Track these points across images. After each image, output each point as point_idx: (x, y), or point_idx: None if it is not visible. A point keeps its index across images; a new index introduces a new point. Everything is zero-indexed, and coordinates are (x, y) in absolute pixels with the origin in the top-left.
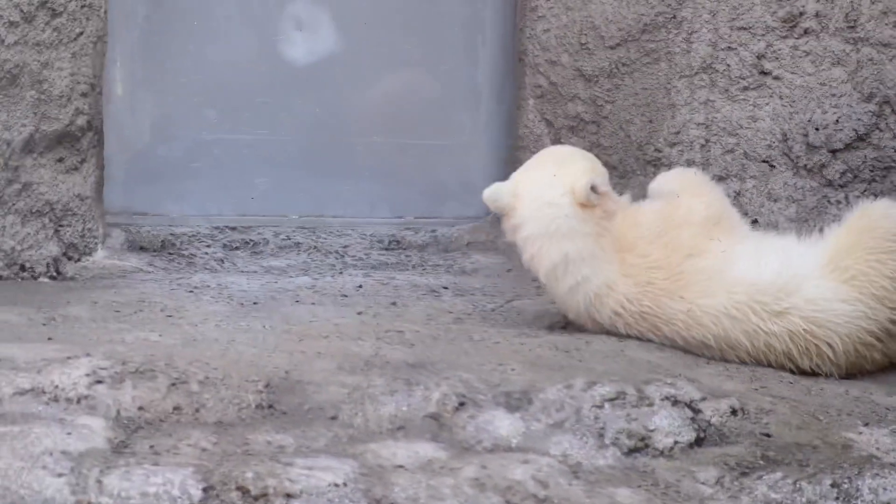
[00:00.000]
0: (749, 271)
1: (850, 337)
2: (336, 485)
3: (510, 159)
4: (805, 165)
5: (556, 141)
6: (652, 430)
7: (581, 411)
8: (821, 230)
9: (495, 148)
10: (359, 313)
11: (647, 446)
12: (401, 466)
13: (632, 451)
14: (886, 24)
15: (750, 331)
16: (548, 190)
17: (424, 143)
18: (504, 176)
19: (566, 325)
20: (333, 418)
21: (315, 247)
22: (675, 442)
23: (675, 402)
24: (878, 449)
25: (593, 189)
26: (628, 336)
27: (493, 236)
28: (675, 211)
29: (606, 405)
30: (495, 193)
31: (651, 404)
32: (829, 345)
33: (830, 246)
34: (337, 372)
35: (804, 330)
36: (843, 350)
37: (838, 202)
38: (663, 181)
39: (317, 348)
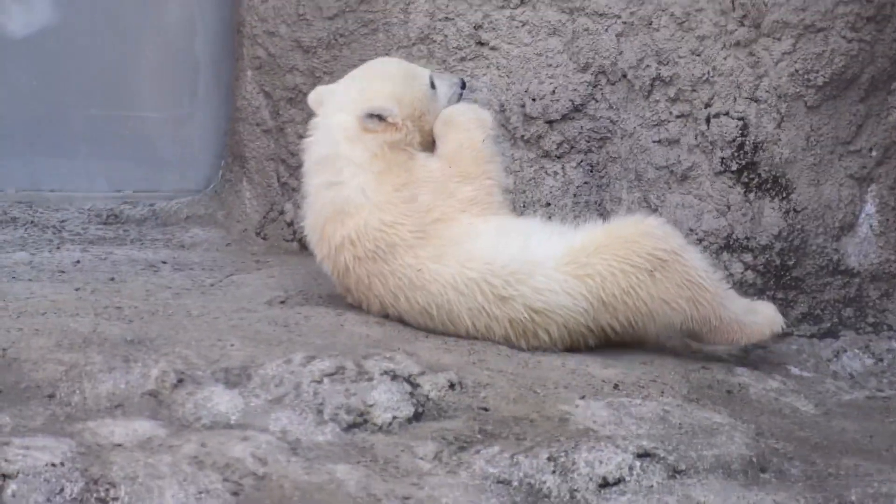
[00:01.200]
0: (486, 250)
1: (566, 327)
2: (53, 464)
3: (229, 131)
4: (522, 136)
5: (275, 114)
6: (371, 405)
7: (300, 386)
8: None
9: (214, 120)
10: (77, 289)
11: (366, 422)
12: (119, 445)
13: (351, 427)
14: None
15: (474, 309)
16: (347, 99)
17: (142, 115)
18: (223, 148)
19: (285, 299)
20: (51, 396)
21: (32, 222)
22: (394, 417)
23: (394, 377)
24: (594, 422)
25: (379, 117)
26: (350, 306)
27: (211, 210)
28: (444, 182)
29: (325, 380)
30: (318, 94)
31: (370, 379)
32: (547, 331)
33: (579, 240)
34: (55, 349)
35: (525, 317)
36: (559, 336)
37: (555, 173)
38: (460, 122)
39: (34, 325)
